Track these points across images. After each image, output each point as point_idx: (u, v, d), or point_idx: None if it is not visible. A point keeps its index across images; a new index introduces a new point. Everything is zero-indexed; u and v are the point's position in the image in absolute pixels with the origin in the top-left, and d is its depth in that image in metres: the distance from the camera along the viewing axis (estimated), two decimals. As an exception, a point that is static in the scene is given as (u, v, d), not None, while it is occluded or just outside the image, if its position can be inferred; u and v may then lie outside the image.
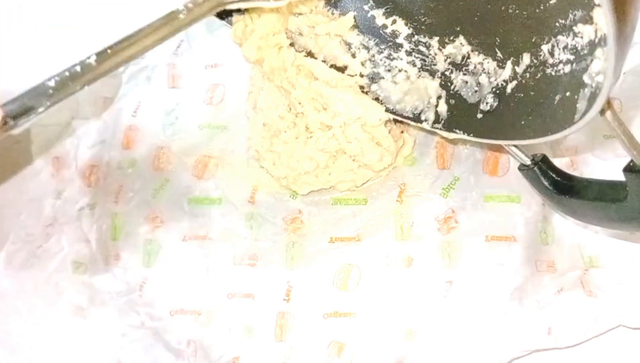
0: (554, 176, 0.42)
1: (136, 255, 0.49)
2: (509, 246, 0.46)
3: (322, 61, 0.47)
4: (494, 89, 0.42)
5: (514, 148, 0.42)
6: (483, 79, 0.43)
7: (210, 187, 0.51)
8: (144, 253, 0.49)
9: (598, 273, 0.45)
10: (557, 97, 0.36)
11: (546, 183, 0.42)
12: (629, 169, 0.35)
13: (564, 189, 0.41)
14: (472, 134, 0.44)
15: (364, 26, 0.48)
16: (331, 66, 0.47)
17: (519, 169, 0.43)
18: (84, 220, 0.51)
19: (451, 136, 0.45)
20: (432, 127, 0.46)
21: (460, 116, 0.44)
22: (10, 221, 0.50)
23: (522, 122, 0.39)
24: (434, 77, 0.46)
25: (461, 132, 0.44)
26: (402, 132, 0.50)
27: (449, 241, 0.47)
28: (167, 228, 0.50)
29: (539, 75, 0.39)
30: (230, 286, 0.48)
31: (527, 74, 0.40)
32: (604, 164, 0.47)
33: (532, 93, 0.39)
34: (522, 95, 0.40)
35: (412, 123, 0.47)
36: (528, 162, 0.42)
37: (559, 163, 0.48)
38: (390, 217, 0.48)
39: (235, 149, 0.52)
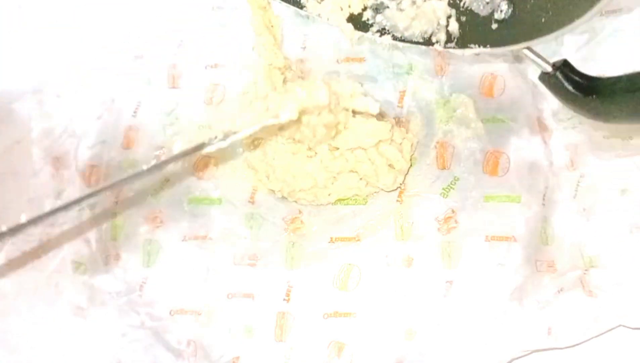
0: (577, 78, 0.39)
1: (136, 255, 0.49)
2: (509, 246, 0.46)
3: None
4: None
5: (532, 55, 0.40)
6: None
7: (210, 187, 0.51)
8: (143, 253, 0.49)
9: (598, 273, 0.45)
10: None
11: (570, 87, 0.39)
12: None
13: (590, 90, 0.39)
14: (488, 45, 0.42)
15: None
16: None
17: (540, 78, 0.41)
18: (84, 220, 0.51)
19: (467, 52, 0.43)
20: (445, 47, 0.44)
21: (474, 31, 0.43)
22: (10, 221, 0.50)
23: (542, 20, 0.38)
24: None
25: (476, 45, 0.42)
26: (406, 132, 0.50)
27: (449, 241, 0.47)
28: (167, 228, 0.50)
29: None
30: (230, 286, 0.48)
31: None
32: (603, 164, 0.47)
33: None
34: None
35: (424, 47, 0.45)
36: (549, 69, 0.40)
37: (558, 162, 0.49)
38: (390, 217, 0.48)
39: (235, 149, 0.52)
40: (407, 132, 0.50)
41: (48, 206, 0.50)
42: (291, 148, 0.48)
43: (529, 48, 0.40)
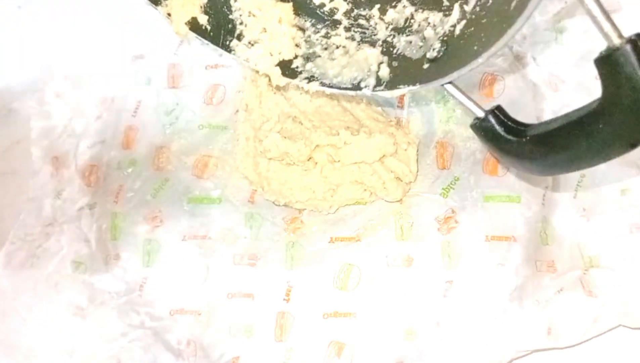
0: (509, 122, 0.38)
1: (136, 255, 0.49)
2: (509, 246, 0.46)
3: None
4: (440, 38, 0.40)
5: (464, 98, 0.39)
6: (429, 32, 0.41)
7: (210, 187, 0.51)
8: (143, 252, 0.49)
9: (598, 273, 0.45)
10: (513, 4, 0.33)
11: (502, 131, 0.38)
12: (600, 60, 0.30)
13: (522, 132, 0.37)
14: (418, 84, 0.41)
15: (300, 7, 0.45)
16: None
17: (472, 126, 0.39)
18: (84, 220, 0.51)
19: (395, 93, 0.42)
20: (374, 91, 0.43)
21: (404, 74, 0.42)
22: (10, 220, 0.50)
23: (475, 48, 0.37)
24: (374, 46, 0.44)
25: (405, 86, 0.41)
26: (408, 133, 0.50)
27: (449, 241, 0.47)
28: (167, 227, 0.50)
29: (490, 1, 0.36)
30: (230, 286, 0.48)
31: (477, 7, 0.37)
32: (604, 164, 0.47)
33: (484, 21, 0.37)
34: (472, 29, 0.38)
35: (351, 93, 0.44)
36: (481, 113, 0.39)
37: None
38: (390, 217, 0.48)
39: (235, 149, 0.52)
40: (408, 133, 0.50)
41: (48, 206, 0.51)
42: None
43: (460, 91, 0.39)
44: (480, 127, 0.39)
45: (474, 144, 0.49)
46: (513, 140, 0.37)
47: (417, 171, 0.49)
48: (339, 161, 0.47)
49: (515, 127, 0.38)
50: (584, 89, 0.49)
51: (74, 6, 0.55)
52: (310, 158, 0.48)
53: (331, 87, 0.45)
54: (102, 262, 0.49)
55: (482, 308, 0.45)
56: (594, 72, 0.49)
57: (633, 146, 0.32)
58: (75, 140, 0.53)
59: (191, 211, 0.50)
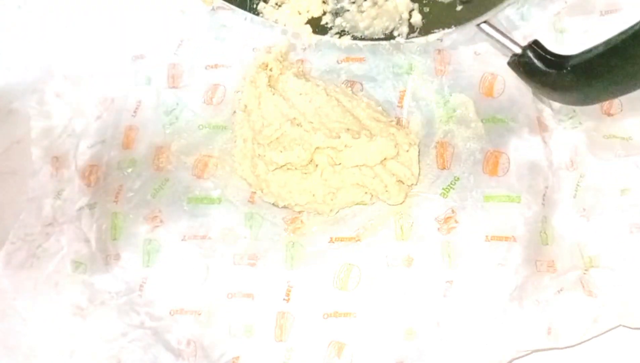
0: (548, 56, 0.38)
1: (136, 255, 0.49)
2: (509, 246, 0.46)
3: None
4: None
5: (500, 36, 0.39)
6: None
7: (209, 187, 0.51)
8: (143, 252, 0.49)
9: (598, 273, 0.45)
10: None
11: (542, 66, 0.37)
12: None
13: (563, 64, 0.37)
14: (452, 26, 0.41)
15: None
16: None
17: (509, 62, 0.39)
18: (84, 220, 0.51)
19: (430, 38, 0.42)
20: (407, 39, 0.43)
21: (438, 18, 0.42)
22: (10, 220, 0.50)
23: None
24: None
25: (440, 30, 0.41)
26: (409, 133, 0.50)
27: (449, 241, 0.47)
28: (167, 227, 0.50)
29: None
30: (230, 286, 0.48)
31: None
32: (603, 164, 0.47)
33: None
34: None
35: (384, 42, 0.44)
36: (518, 50, 0.38)
37: (558, 162, 0.49)
38: (390, 217, 0.48)
39: (233, 151, 0.52)
40: (409, 133, 0.50)
41: (48, 206, 0.51)
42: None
43: (495, 29, 0.39)
44: (519, 64, 0.39)
45: (474, 144, 0.49)
46: (553, 73, 0.37)
47: (419, 173, 0.49)
48: (339, 164, 0.47)
49: (555, 60, 0.37)
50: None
51: (74, 6, 0.55)
52: (311, 161, 0.48)
53: (363, 39, 0.44)
54: (102, 262, 0.49)
55: (482, 308, 0.45)
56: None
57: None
58: (75, 140, 0.53)
59: (191, 211, 0.50)
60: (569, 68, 0.36)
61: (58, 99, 0.53)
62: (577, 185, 0.47)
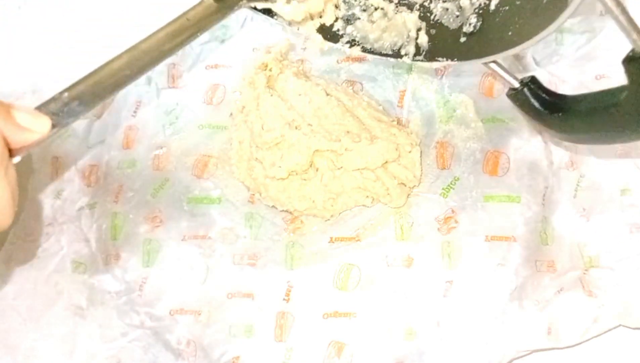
0: (544, 95, 0.40)
1: (136, 255, 0.49)
2: (509, 246, 0.46)
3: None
4: (476, 10, 0.41)
5: (501, 70, 0.40)
6: (464, 1, 0.41)
7: (209, 186, 0.51)
8: (143, 252, 0.49)
9: (598, 273, 0.45)
10: None
11: (537, 104, 0.40)
12: (628, 59, 0.33)
13: (555, 107, 0.39)
14: (455, 59, 0.42)
15: None
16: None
17: (507, 94, 0.41)
18: (84, 220, 0.51)
19: (434, 65, 0.43)
20: (413, 60, 0.44)
21: (443, 44, 0.43)
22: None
23: (510, 33, 0.38)
24: (412, 10, 0.44)
25: (444, 59, 0.42)
26: (410, 133, 0.50)
27: (449, 241, 0.47)
28: (167, 227, 0.50)
29: None
30: (230, 286, 0.48)
31: None
32: (603, 164, 0.47)
33: (518, 1, 0.38)
34: (507, 7, 0.39)
35: (392, 59, 0.45)
36: (517, 85, 0.40)
37: (558, 162, 0.49)
38: (390, 217, 0.48)
39: (230, 153, 0.52)
40: (410, 133, 0.50)
41: (48, 206, 0.51)
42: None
43: (497, 63, 0.40)
44: (516, 98, 0.41)
45: (474, 144, 0.49)
46: (547, 113, 0.39)
47: (421, 175, 0.49)
48: (340, 167, 0.47)
49: (550, 100, 0.39)
50: (584, 89, 0.49)
51: (74, 6, 0.55)
52: (311, 165, 0.48)
53: (372, 52, 0.45)
54: (102, 262, 0.49)
55: (482, 308, 0.45)
56: (594, 72, 0.49)
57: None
58: (76, 140, 0.53)
59: (191, 211, 0.50)
60: (560, 115, 0.39)
61: (58, 99, 0.53)
62: (577, 185, 0.47)
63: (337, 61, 0.53)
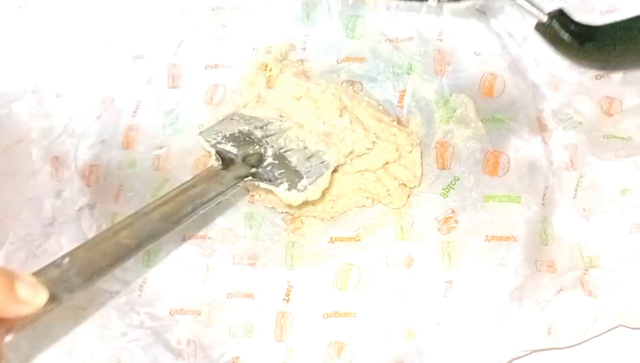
0: (573, 27, 0.39)
1: (136, 255, 0.49)
2: (509, 246, 0.46)
3: None
4: None
5: (527, 4, 0.40)
6: None
7: (210, 187, 0.51)
8: (143, 252, 0.49)
9: (598, 273, 0.45)
10: None
11: (566, 36, 0.39)
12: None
13: (586, 37, 0.39)
14: None
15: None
16: None
17: (536, 28, 0.41)
18: (84, 220, 0.51)
19: (462, 4, 0.44)
20: (439, 2, 0.44)
21: None
22: (10, 221, 0.50)
23: None
24: None
25: None
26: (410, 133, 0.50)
27: (449, 241, 0.47)
28: (167, 227, 0.50)
29: None
30: (230, 286, 0.48)
31: None
32: (603, 164, 0.47)
33: None
34: None
35: (417, 3, 0.46)
36: (544, 18, 0.40)
37: (558, 162, 0.49)
38: (390, 217, 0.48)
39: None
40: (411, 133, 0.50)
41: (48, 206, 0.51)
42: None
43: None
44: (545, 32, 0.40)
45: (474, 144, 0.49)
46: (576, 44, 0.39)
47: (422, 175, 0.49)
48: (338, 171, 0.47)
49: (579, 32, 0.39)
50: (584, 89, 0.49)
51: (74, 6, 0.55)
52: None
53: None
54: (102, 262, 0.49)
55: (482, 308, 0.45)
56: (594, 71, 0.49)
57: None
58: (75, 140, 0.53)
59: (191, 211, 0.50)
60: (590, 44, 0.38)
61: (58, 99, 0.53)
62: (577, 185, 0.47)
63: (337, 61, 0.53)
